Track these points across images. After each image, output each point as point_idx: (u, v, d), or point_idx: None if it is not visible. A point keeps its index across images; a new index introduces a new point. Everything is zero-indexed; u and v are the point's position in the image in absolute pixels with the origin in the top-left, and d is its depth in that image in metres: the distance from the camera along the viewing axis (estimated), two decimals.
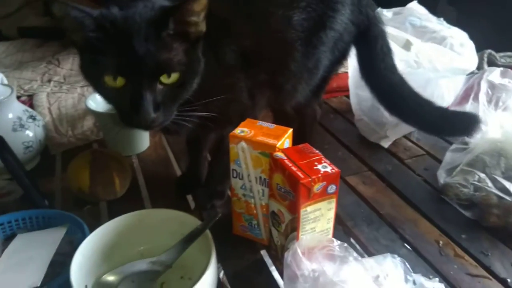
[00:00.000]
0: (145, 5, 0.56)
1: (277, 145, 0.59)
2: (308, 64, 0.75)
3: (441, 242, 0.70)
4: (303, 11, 0.71)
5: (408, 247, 0.70)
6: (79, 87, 1.14)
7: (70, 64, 1.27)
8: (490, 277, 0.64)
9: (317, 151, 0.59)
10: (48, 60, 1.29)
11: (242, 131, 0.62)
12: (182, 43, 0.56)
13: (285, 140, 0.61)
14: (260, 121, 0.65)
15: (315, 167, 0.54)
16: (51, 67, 1.25)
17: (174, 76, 0.56)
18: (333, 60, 0.79)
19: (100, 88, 0.58)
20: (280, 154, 0.57)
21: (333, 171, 0.54)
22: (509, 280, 0.63)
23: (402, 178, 0.87)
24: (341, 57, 0.82)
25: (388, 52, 0.83)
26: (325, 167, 0.55)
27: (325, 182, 0.54)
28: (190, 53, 0.57)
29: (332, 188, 0.55)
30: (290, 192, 0.55)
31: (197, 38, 0.58)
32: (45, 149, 0.93)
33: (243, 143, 0.61)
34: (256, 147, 0.60)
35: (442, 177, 0.82)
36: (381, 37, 0.83)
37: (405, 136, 1.01)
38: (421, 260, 0.67)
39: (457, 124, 0.84)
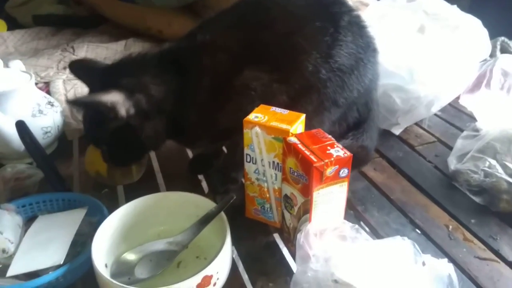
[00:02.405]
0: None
1: (291, 130, 0.60)
2: (314, 121, 0.73)
3: (450, 227, 0.72)
4: (330, 71, 0.71)
5: (418, 231, 0.71)
6: None
7: (84, 52, 1.29)
8: (499, 260, 0.65)
9: (329, 136, 0.60)
10: (63, 48, 1.31)
11: (256, 117, 0.63)
12: (107, 125, 0.67)
13: (298, 126, 0.63)
14: (274, 107, 0.66)
15: (327, 151, 0.56)
16: (66, 54, 1.27)
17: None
18: (333, 130, 0.79)
19: None
20: (293, 139, 0.59)
21: (345, 155, 0.55)
22: None
23: (413, 164, 0.88)
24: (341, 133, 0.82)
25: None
26: (338, 151, 0.56)
27: (337, 166, 0.55)
28: (118, 132, 0.68)
29: (344, 172, 0.56)
30: (303, 176, 0.56)
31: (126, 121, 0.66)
32: (62, 134, 0.96)
33: (257, 128, 0.62)
34: (269, 132, 0.62)
35: (452, 163, 0.82)
36: (368, 132, 0.83)
37: (416, 124, 1.01)
38: (431, 244, 0.68)
39: None
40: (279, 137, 0.61)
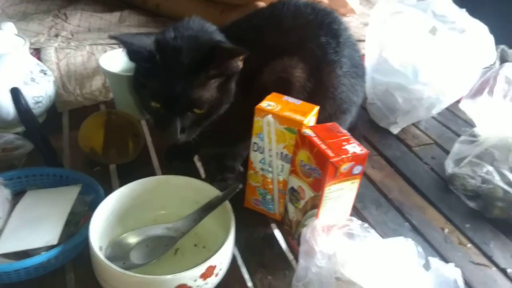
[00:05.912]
0: (193, 37, 0.63)
1: (304, 122, 0.59)
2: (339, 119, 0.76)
3: (446, 230, 0.72)
4: (342, 75, 0.73)
5: (415, 232, 0.71)
6: (88, 45, 1.10)
7: (77, 20, 1.23)
8: (492, 266, 0.66)
9: (345, 131, 0.59)
10: (55, 14, 1.24)
11: (269, 105, 0.61)
12: (217, 79, 0.63)
13: (312, 118, 0.61)
14: (286, 96, 0.64)
15: (343, 147, 0.54)
16: (58, 21, 1.20)
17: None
18: None
19: (143, 103, 0.66)
20: (308, 131, 0.57)
21: (362, 151, 0.54)
22: (509, 270, 0.66)
23: (410, 165, 0.88)
24: None
25: None
26: (354, 147, 0.55)
27: (353, 163, 0.54)
28: (223, 87, 0.64)
29: (358, 169, 0.55)
30: (316, 170, 0.55)
31: (232, 73, 0.64)
32: (52, 106, 0.91)
33: (269, 117, 0.60)
34: (282, 122, 0.60)
35: (450, 167, 0.83)
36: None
37: (413, 124, 1.02)
38: (427, 246, 0.69)
39: None
40: (292, 128, 0.59)
